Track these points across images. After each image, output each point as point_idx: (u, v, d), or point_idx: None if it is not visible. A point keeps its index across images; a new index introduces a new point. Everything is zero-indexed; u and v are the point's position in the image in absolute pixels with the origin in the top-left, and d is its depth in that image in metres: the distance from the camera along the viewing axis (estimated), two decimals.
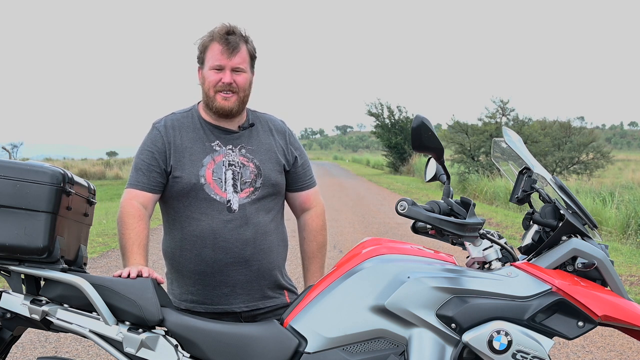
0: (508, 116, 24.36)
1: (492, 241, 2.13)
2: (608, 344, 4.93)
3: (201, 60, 2.50)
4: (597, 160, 23.83)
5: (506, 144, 2.29)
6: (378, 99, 35.83)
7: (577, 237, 2.12)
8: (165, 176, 2.46)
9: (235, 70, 2.45)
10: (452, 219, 2.01)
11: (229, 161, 2.48)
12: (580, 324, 2.00)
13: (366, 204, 15.79)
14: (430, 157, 2.25)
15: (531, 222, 2.22)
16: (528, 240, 2.20)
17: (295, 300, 2.22)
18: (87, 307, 2.11)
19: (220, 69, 2.44)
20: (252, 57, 2.52)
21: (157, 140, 2.48)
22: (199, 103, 2.58)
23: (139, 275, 2.17)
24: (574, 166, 23.77)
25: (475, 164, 22.58)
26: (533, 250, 2.17)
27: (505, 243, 2.17)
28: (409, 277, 2.03)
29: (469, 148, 23.19)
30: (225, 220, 2.44)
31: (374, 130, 36.16)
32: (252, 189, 2.48)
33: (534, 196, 2.22)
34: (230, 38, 2.44)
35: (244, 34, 2.48)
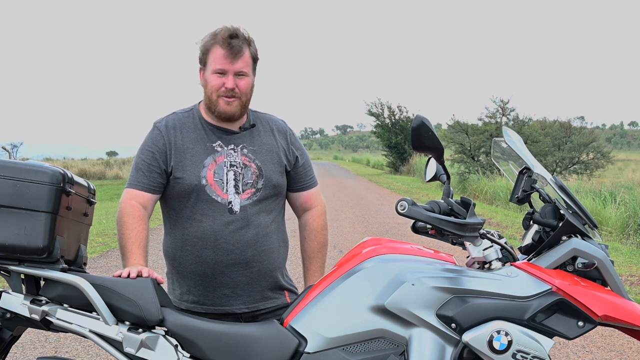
0: (508, 116, 24.36)
1: (492, 241, 2.13)
2: (608, 344, 4.93)
3: (203, 62, 2.48)
4: (597, 160, 23.83)
5: (506, 143, 2.29)
6: (378, 99, 35.85)
7: (577, 237, 2.12)
8: (166, 177, 2.46)
9: (238, 74, 2.44)
10: (452, 219, 2.01)
11: (230, 162, 2.47)
12: (580, 324, 2.00)
13: (366, 203, 15.79)
14: (430, 157, 2.24)
15: (531, 222, 2.22)
16: (528, 240, 2.20)
17: (295, 300, 2.22)
18: (87, 307, 2.10)
19: (223, 73, 2.43)
20: (255, 60, 2.50)
21: (158, 140, 2.48)
22: (199, 103, 2.58)
23: (139, 275, 2.17)
24: (574, 166, 23.77)
25: (475, 164, 22.58)
26: (533, 250, 2.17)
27: (505, 243, 2.17)
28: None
29: (469, 148, 23.19)
30: (226, 222, 2.43)
31: (374, 130, 36.14)
32: (253, 190, 2.48)
33: (534, 196, 2.22)
34: (233, 42, 2.41)
35: (247, 37, 2.46)
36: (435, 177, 2.24)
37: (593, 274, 2.09)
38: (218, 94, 2.44)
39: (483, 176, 20.24)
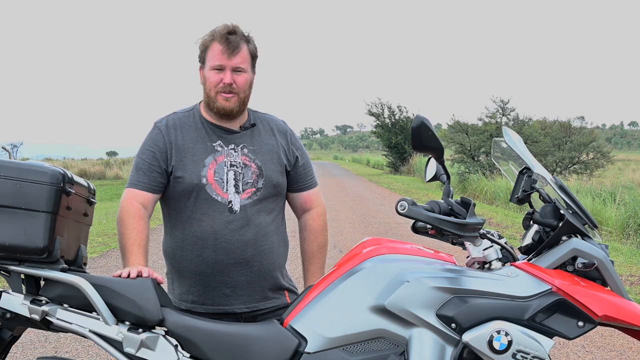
0: (508, 116, 24.36)
1: (492, 241, 2.13)
2: (608, 344, 4.93)
3: (202, 60, 2.49)
4: (597, 160, 23.83)
5: (506, 144, 2.29)
6: (378, 99, 35.84)
7: (577, 237, 2.12)
8: (166, 176, 2.46)
9: (235, 70, 2.44)
10: (452, 219, 2.01)
11: (230, 162, 2.47)
12: (580, 324, 2.00)
13: (366, 203, 15.79)
14: (430, 157, 2.24)
15: (531, 222, 2.22)
16: (528, 240, 2.20)
17: (295, 300, 2.22)
18: (87, 307, 2.10)
19: (220, 69, 2.43)
20: (253, 57, 2.51)
21: (159, 139, 2.48)
22: (200, 102, 2.58)
23: (139, 275, 2.17)
24: (574, 166, 23.77)
25: (475, 164, 22.58)
26: (533, 250, 2.17)
27: (505, 243, 2.17)
28: (408, 281, 2.03)
29: (469, 148, 23.19)
30: (226, 221, 2.43)
31: (374, 130, 36.13)
32: (253, 189, 2.48)
33: (534, 196, 2.22)
34: (231, 38, 2.43)
35: (245, 34, 2.47)
36: (435, 177, 2.24)
37: (593, 274, 2.09)
38: (216, 90, 2.44)
39: (482, 176, 20.24)
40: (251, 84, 2.51)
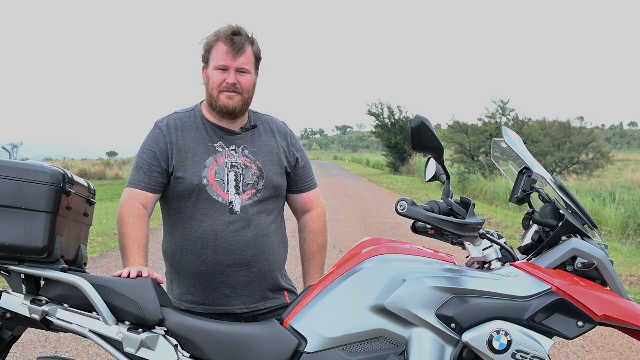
0: (508, 116, 24.35)
1: (492, 241, 2.13)
2: (608, 344, 4.93)
3: (206, 60, 2.49)
4: (597, 161, 23.80)
5: (506, 144, 2.29)
6: (378, 99, 35.92)
7: (577, 237, 2.12)
8: (167, 176, 2.46)
9: (239, 71, 2.45)
10: (452, 219, 2.01)
11: (231, 163, 2.47)
12: (580, 324, 2.00)
13: (366, 204, 15.79)
14: (430, 157, 2.25)
15: (531, 222, 2.22)
16: (528, 240, 2.20)
17: (295, 300, 2.22)
18: (87, 307, 2.11)
19: (224, 69, 2.44)
20: (257, 59, 2.52)
21: (160, 139, 2.48)
22: (201, 103, 2.58)
23: (139, 276, 2.17)
24: (574, 166, 23.75)
25: (475, 164, 22.57)
26: (533, 250, 2.17)
27: (505, 243, 2.17)
28: (404, 281, 2.03)
29: (469, 148, 23.19)
30: (227, 222, 2.43)
31: (374, 130, 36.20)
32: (254, 190, 2.48)
33: (534, 196, 2.22)
34: (236, 39, 2.43)
35: (250, 36, 2.48)
36: (435, 177, 2.24)
37: (593, 274, 2.09)
38: (220, 89, 2.44)
39: (482, 177, 20.23)
40: (254, 85, 2.51)
